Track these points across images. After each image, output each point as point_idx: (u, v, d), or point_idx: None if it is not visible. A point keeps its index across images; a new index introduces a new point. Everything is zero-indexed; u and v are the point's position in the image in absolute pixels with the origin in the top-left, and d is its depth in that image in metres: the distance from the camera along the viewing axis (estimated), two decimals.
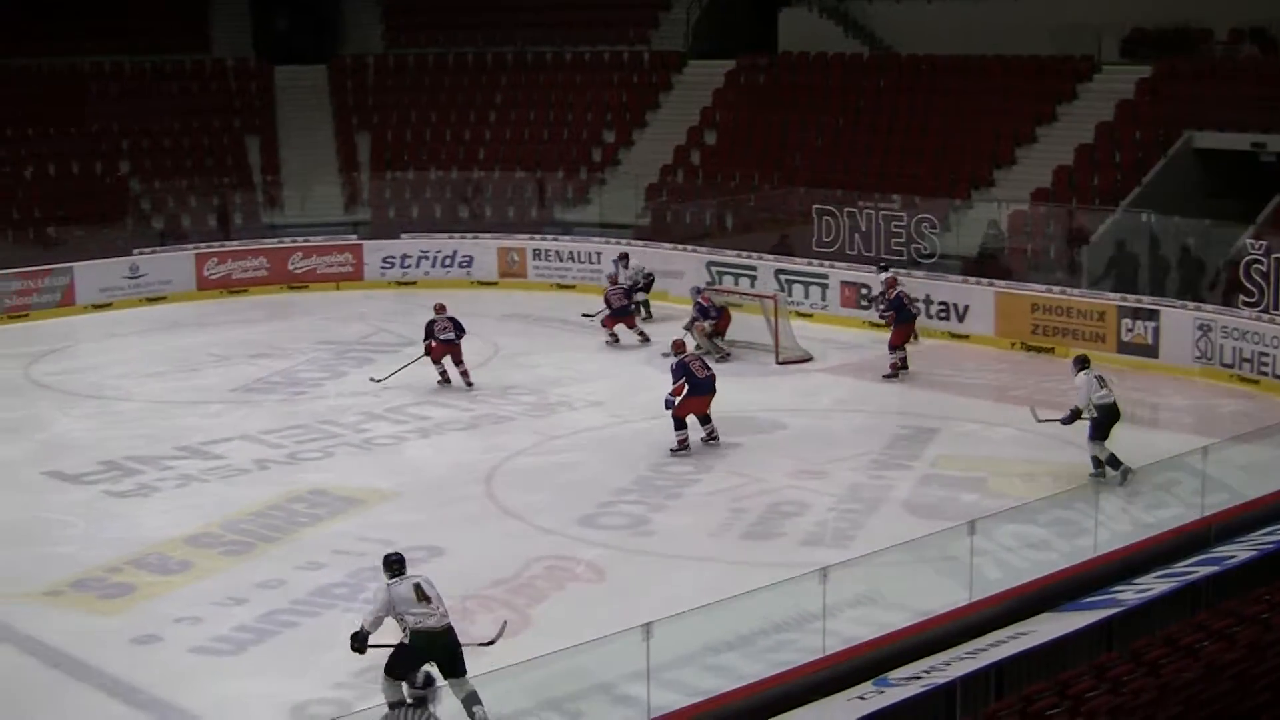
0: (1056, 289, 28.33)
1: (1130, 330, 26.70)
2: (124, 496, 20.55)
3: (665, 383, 22.09)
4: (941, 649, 13.84)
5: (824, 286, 31.05)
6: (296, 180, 39.83)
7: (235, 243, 36.42)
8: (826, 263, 31.28)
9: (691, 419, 22.07)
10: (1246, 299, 25.48)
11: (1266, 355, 24.80)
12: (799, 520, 19.06)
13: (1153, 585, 15.02)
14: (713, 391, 22.19)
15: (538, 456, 22.24)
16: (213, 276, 35.24)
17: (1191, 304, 26.50)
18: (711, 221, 36.00)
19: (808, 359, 27.59)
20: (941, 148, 35.30)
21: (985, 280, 29.46)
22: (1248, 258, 25.52)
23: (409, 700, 11.28)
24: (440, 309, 26.18)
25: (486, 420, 24.12)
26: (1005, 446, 21.78)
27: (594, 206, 38.41)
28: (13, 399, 25.98)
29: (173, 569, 17.86)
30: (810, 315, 30.50)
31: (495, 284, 35.78)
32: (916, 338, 27.29)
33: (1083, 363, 20.48)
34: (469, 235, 36.74)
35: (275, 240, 36.50)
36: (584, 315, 30.18)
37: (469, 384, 25.80)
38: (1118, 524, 17.35)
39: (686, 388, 21.87)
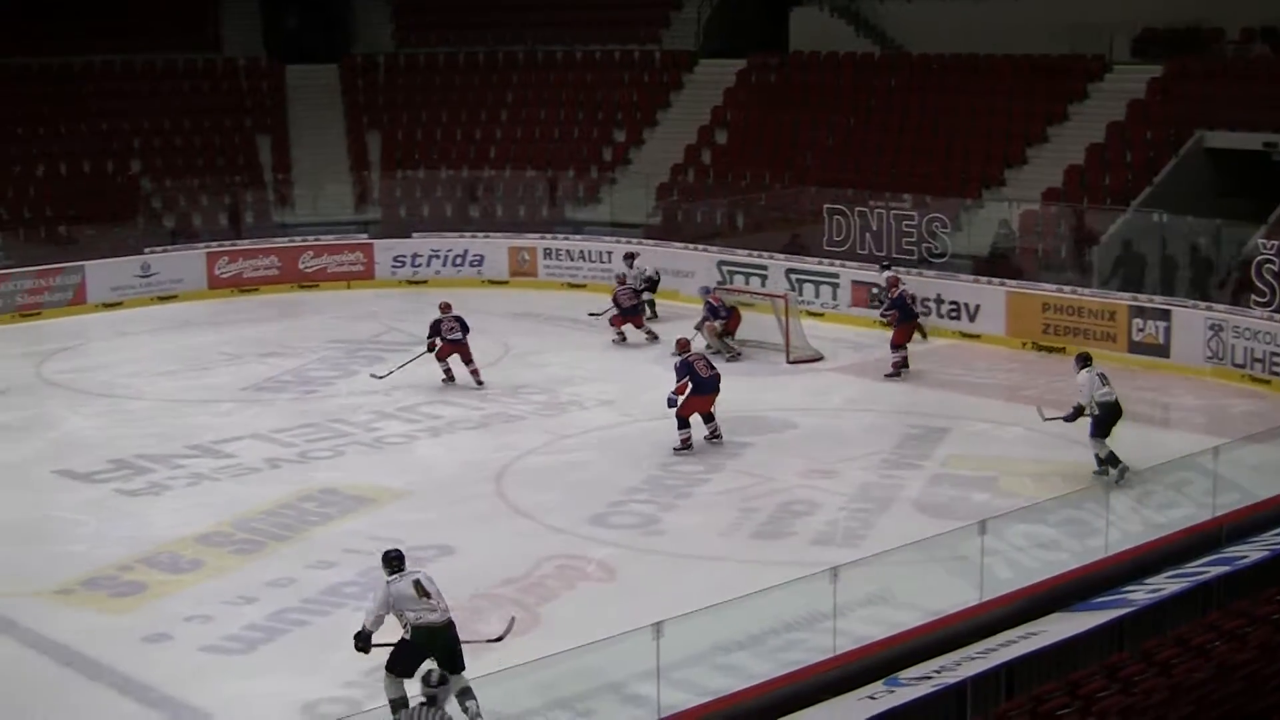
0: (1068, 289, 28.30)
1: (1141, 330, 26.67)
2: (135, 495, 20.57)
3: (674, 382, 22.08)
4: (952, 649, 13.84)
5: (835, 286, 31.03)
6: (307, 179, 39.86)
7: (246, 242, 36.46)
8: (837, 262, 31.26)
9: (695, 418, 22.07)
10: (1258, 299, 25.43)
11: (1278, 355, 24.75)
12: (809, 519, 19.04)
13: (1164, 585, 15.00)
14: (716, 390, 22.19)
15: (548, 455, 22.24)
16: (224, 275, 35.28)
17: (1203, 304, 26.46)
18: (722, 221, 36.00)
19: (818, 358, 27.57)
20: (952, 147, 35.26)
21: (996, 280, 29.45)
22: (1259, 258, 25.47)
23: (422, 699, 11.27)
24: (446, 308, 26.18)
25: (497, 419, 24.13)
26: (1016, 446, 21.76)
27: (605, 206, 38.41)
28: (24, 397, 26.02)
29: (184, 567, 17.88)
30: (821, 315, 30.48)
31: (506, 283, 35.79)
32: (926, 336, 27.27)
33: (1084, 360, 20.48)
34: (480, 234, 36.75)
35: (286, 239, 36.55)
36: (590, 315, 30.19)
37: (480, 383, 25.80)
38: (1129, 524, 17.32)
39: (690, 386, 21.88)
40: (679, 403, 21.86)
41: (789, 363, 27.37)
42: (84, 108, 40.14)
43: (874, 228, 31.14)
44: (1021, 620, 14.54)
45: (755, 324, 28.31)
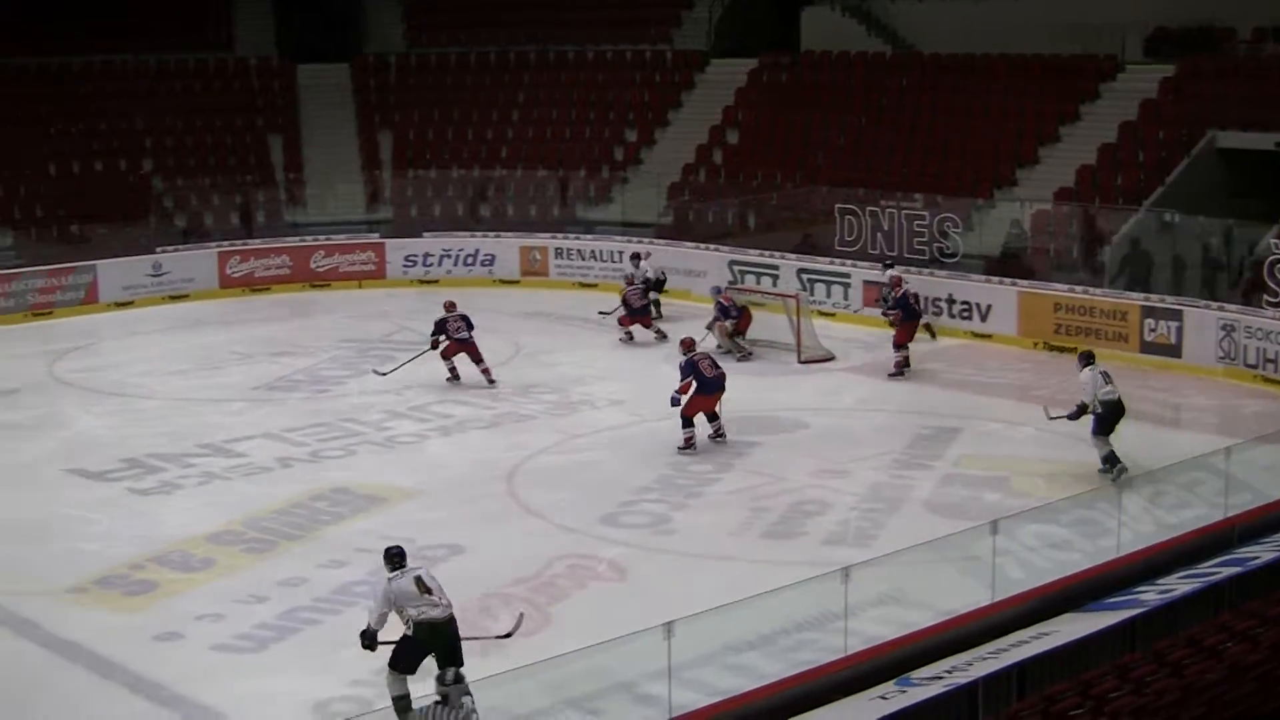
0: (1079, 289, 28.27)
1: (1153, 330, 26.63)
2: (147, 494, 20.59)
3: (680, 381, 22.12)
4: (964, 649, 13.83)
5: (846, 286, 31.00)
6: (319, 179, 39.90)
7: (258, 241, 36.47)
8: (849, 262, 31.24)
9: (700, 417, 22.11)
10: (1270, 299, 25.40)
11: None
12: (821, 519, 19.04)
13: (1176, 586, 14.98)
14: (721, 390, 22.19)
15: (559, 455, 22.24)
16: (235, 275, 35.30)
17: (1215, 304, 26.42)
18: (733, 220, 36.02)
19: (830, 358, 27.56)
20: (964, 147, 35.24)
21: (1008, 280, 29.42)
22: (1271, 258, 25.44)
23: (436, 697, 11.27)
24: (450, 306, 26.20)
25: (508, 419, 24.13)
26: (1027, 446, 21.73)
27: (616, 205, 38.42)
28: (37, 396, 26.05)
29: (195, 566, 17.90)
30: (832, 314, 30.46)
31: (517, 283, 35.80)
32: (935, 335, 27.30)
33: (1088, 358, 20.49)
34: (491, 234, 36.77)
35: (298, 238, 36.57)
36: (601, 314, 30.19)
37: (491, 381, 25.81)
38: (1141, 524, 17.27)
39: (695, 386, 21.90)
40: (683, 402, 21.89)
41: (800, 362, 27.36)
42: (96, 107, 40.23)
43: (885, 228, 31.13)
44: (1033, 620, 14.53)
45: (767, 324, 28.30)
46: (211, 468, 21.65)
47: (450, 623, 13.24)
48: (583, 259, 35.59)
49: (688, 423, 21.91)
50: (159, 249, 34.97)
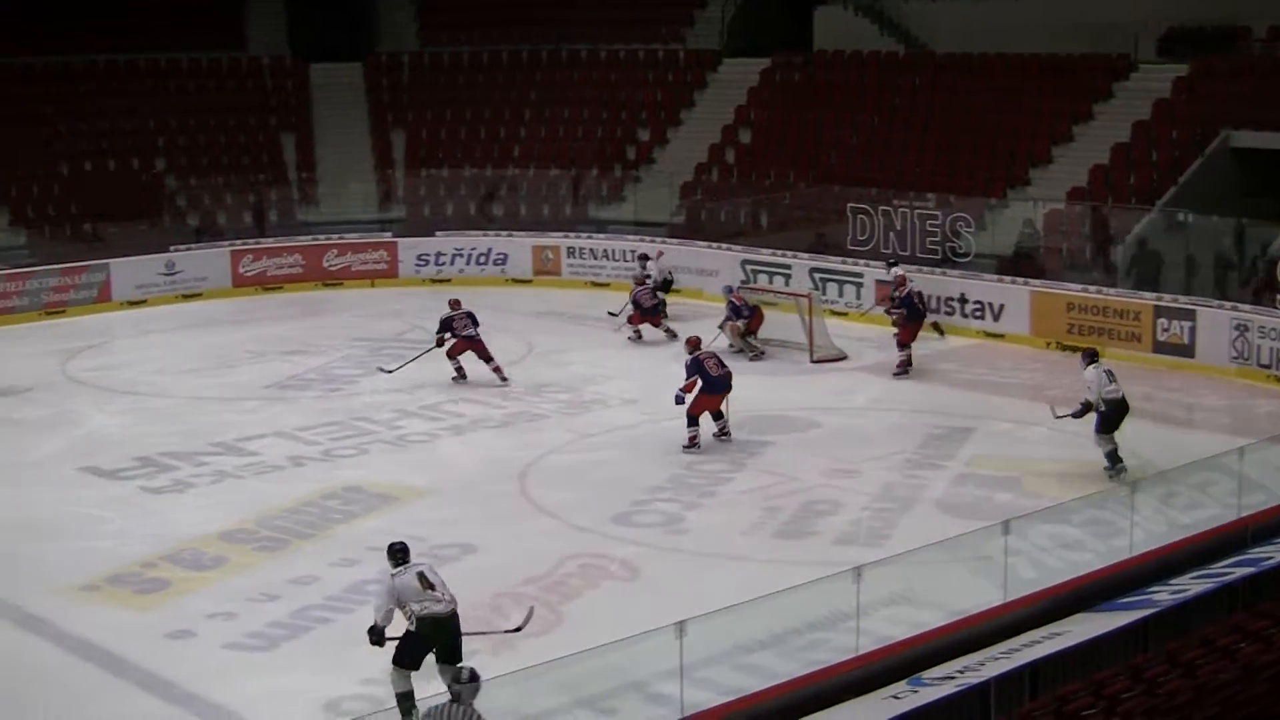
0: (1092, 288, 28.22)
1: (1166, 330, 26.58)
2: (159, 492, 20.62)
3: (685, 379, 22.16)
4: (976, 649, 13.81)
5: (859, 285, 30.96)
6: (331, 178, 39.96)
7: (270, 240, 36.47)
8: (861, 261, 31.21)
9: (706, 416, 22.14)
10: None
11: None
12: (833, 519, 19.03)
13: (1189, 586, 14.95)
14: (728, 389, 22.18)
15: (572, 454, 22.25)
16: (248, 273, 35.33)
17: (1228, 304, 26.37)
18: (746, 220, 36.01)
19: (842, 358, 27.54)
20: (977, 146, 35.22)
21: (1020, 279, 29.38)
22: None
23: (450, 696, 11.25)
24: (455, 304, 26.24)
25: (520, 418, 24.14)
26: (1040, 446, 21.69)
27: (628, 204, 38.42)
28: (49, 395, 26.08)
29: (207, 565, 17.91)
30: (845, 314, 30.42)
31: (529, 282, 35.80)
32: (943, 333, 27.32)
33: (1091, 356, 20.50)
34: (503, 233, 36.77)
35: (310, 237, 36.58)
36: (610, 313, 30.20)
37: (504, 379, 25.82)
38: (1153, 524, 17.24)
39: (700, 385, 21.92)
40: (687, 400, 21.91)
41: (812, 362, 27.34)
42: (109, 106, 40.29)
43: (898, 227, 31.12)
44: (1045, 620, 14.50)
45: (779, 323, 28.28)
46: (224, 466, 21.67)
47: (452, 618, 13.31)
48: (595, 258, 35.57)
49: (692, 421, 21.92)
50: (172, 248, 35.01)
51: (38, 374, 27.49)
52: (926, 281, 29.75)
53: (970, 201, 31.87)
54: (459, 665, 11.81)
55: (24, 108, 39.24)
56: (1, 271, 33.01)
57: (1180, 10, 35.19)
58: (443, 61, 44.09)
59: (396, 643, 13.33)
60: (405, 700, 13.23)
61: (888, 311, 27.35)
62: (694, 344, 22.64)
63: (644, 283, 30.14)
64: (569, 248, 35.96)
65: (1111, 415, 19.93)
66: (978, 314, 29.27)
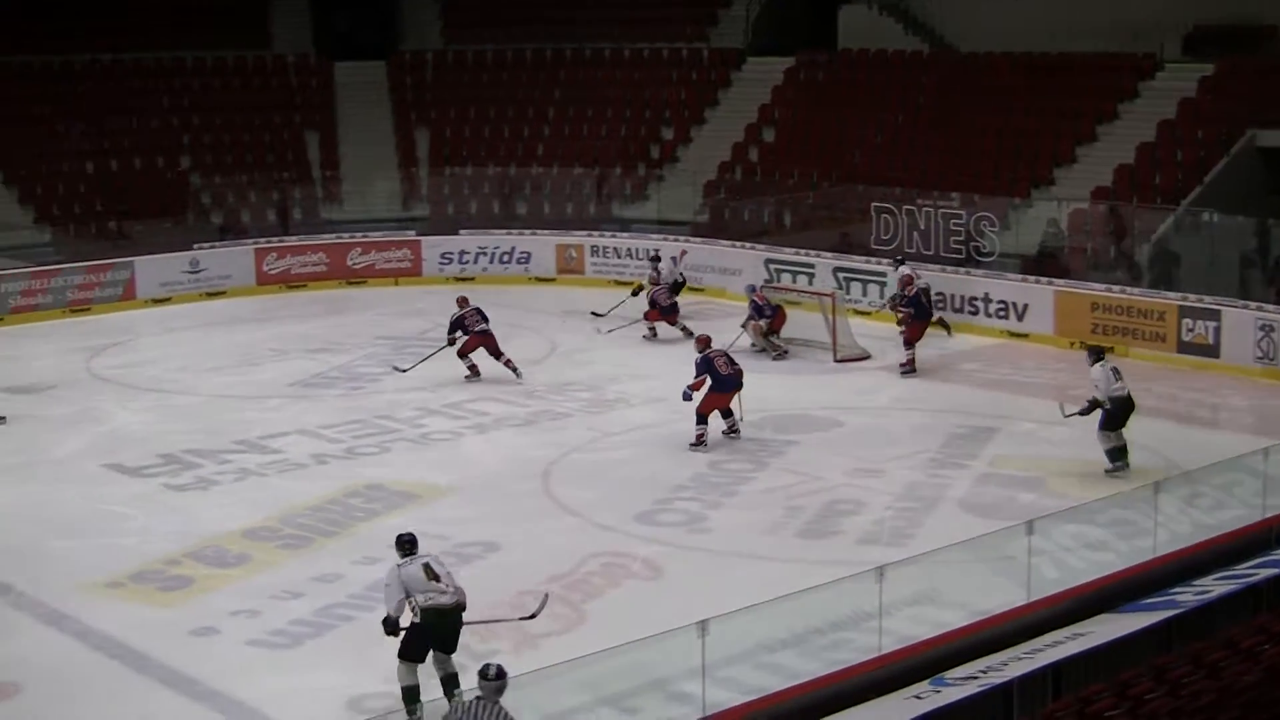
0: (1117, 288, 28.15)
1: (1191, 330, 26.50)
2: (183, 490, 20.67)
3: (695, 377, 22.20)
4: (999, 649, 13.78)
5: (882, 285, 30.90)
6: (355, 176, 40.01)
7: (294, 238, 36.50)
8: (885, 260, 31.14)
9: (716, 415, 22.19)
10: None
11: None
12: (856, 519, 19.01)
13: (1213, 587, 14.91)
14: (738, 387, 22.21)
15: (594, 453, 22.25)
16: (272, 272, 35.39)
17: (1253, 304, 26.28)
18: (769, 219, 35.98)
19: (865, 357, 27.50)
20: (1001, 146, 35.16)
21: (1045, 279, 29.31)
22: None
23: (478, 692, 11.24)
24: (464, 302, 26.31)
25: (544, 416, 24.14)
26: (1064, 446, 21.60)
27: (652, 203, 38.44)
28: (74, 392, 26.15)
29: (230, 562, 17.95)
30: (868, 313, 30.35)
31: (553, 280, 35.81)
32: (950, 331, 27.35)
33: (1098, 354, 20.56)
34: (527, 231, 36.76)
35: (334, 236, 36.62)
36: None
37: (518, 373, 25.85)
38: (1177, 525, 17.19)
39: (710, 383, 21.96)
40: (695, 398, 21.97)
41: (836, 361, 27.30)
42: (135, 104, 40.42)
43: (922, 226, 31.03)
44: (1069, 621, 14.47)
45: (802, 322, 28.25)
46: (247, 464, 21.72)
47: (456, 610, 13.42)
48: (618, 257, 35.54)
49: (701, 419, 21.95)
50: (196, 246, 35.07)
51: (62, 371, 27.58)
52: (950, 281, 29.78)
53: (994, 201, 31.79)
54: (485, 664, 11.81)
55: (50, 106, 39.42)
56: (27, 269, 33.11)
57: (1206, 9, 35.06)
58: (467, 60, 44.13)
59: (402, 635, 13.42)
60: (411, 694, 13.29)
61: (894, 310, 27.37)
62: (704, 342, 22.66)
63: (657, 283, 30.13)
64: (592, 246, 35.95)
65: (1117, 413, 20.03)
66: (1001, 314, 29.21)
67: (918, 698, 12.57)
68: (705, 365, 22.04)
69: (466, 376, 26.03)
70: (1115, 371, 20.17)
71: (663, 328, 29.26)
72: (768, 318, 27.83)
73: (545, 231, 36.72)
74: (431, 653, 13.46)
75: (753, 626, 13.74)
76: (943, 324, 28.06)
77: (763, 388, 23.94)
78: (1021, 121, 35.26)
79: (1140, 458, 20.31)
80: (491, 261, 36.17)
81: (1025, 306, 28.95)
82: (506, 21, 44.05)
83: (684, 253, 32.68)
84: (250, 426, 23.63)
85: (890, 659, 13.74)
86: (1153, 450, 20.76)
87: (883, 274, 30.83)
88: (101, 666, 15.18)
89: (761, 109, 40.00)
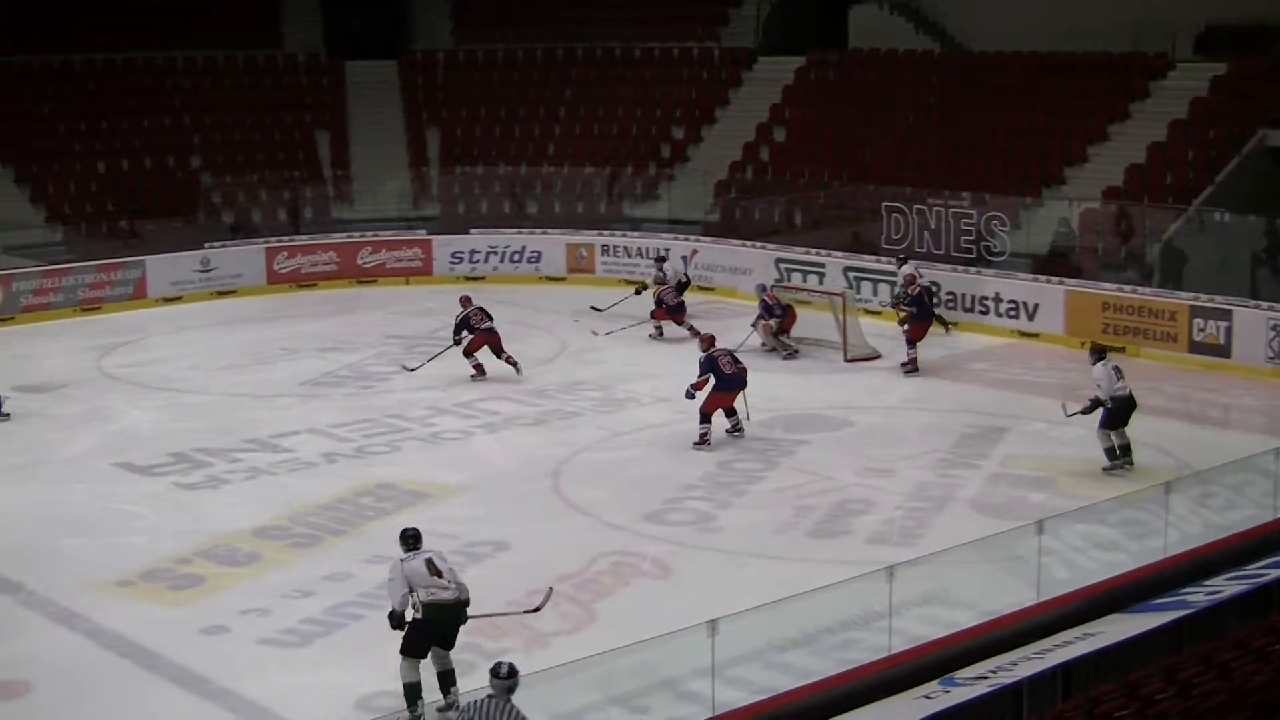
0: (1128, 288, 28.11)
1: (1202, 330, 26.46)
2: (193, 488, 20.69)
3: (698, 376, 22.21)
4: (1008, 649, 13.75)
5: (893, 284, 30.85)
6: (366, 175, 40.07)
7: (305, 237, 36.53)
8: (890, 260, 31.13)
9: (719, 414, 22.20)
10: None
11: None
12: (866, 518, 18.99)
13: (1223, 587, 14.86)
14: (742, 386, 22.22)
15: (605, 452, 22.25)
16: (282, 270, 35.41)
17: (1265, 304, 26.24)
18: (780, 218, 35.96)
19: (876, 356, 27.48)
20: (1012, 145, 35.12)
21: (1055, 279, 29.27)
22: None
23: (490, 691, 11.24)
24: (467, 301, 26.37)
25: (554, 415, 24.14)
26: (1074, 446, 21.57)
27: (663, 203, 38.43)
28: (85, 391, 26.19)
29: (241, 561, 17.97)
30: (879, 312, 30.34)
31: (563, 279, 35.81)
32: (949, 328, 27.37)
33: (1099, 353, 20.58)
34: (537, 230, 36.77)
35: (345, 235, 36.64)
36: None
37: (519, 370, 25.88)
38: (1188, 525, 17.16)
39: (714, 382, 21.97)
40: (698, 397, 22.01)
41: (846, 360, 27.28)
42: (146, 103, 40.50)
43: (933, 226, 31.03)
44: (1079, 621, 14.43)
45: (813, 322, 28.24)
46: (258, 463, 21.75)
47: (457, 606, 13.46)
48: (629, 256, 35.53)
49: (705, 418, 21.96)
50: (207, 245, 35.12)
51: (73, 370, 27.63)
52: (961, 281, 29.77)
53: (1005, 200, 31.77)
54: (497, 662, 11.82)
55: (61, 106, 39.52)
56: (39, 268, 33.14)
57: (1218, 9, 34.97)
58: (477, 59, 44.17)
59: (404, 633, 13.47)
60: (413, 691, 13.32)
61: (896, 309, 27.38)
62: (708, 341, 22.69)
63: (663, 283, 30.13)
64: (603, 245, 35.94)
65: (1118, 412, 20.08)
66: (1012, 313, 29.18)
67: (927, 697, 12.55)
68: (709, 364, 22.05)
69: (472, 376, 26.03)
70: (1117, 371, 20.18)
71: (669, 327, 29.26)
72: (777, 317, 27.81)
73: (556, 231, 36.71)
74: (432, 649, 13.48)
75: (762, 626, 13.74)
76: (941, 321, 28.05)
77: (773, 387, 23.96)
78: (1032, 121, 35.22)
79: (1151, 458, 20.31)
80: (502, 261, 36.19)
81: (1036, 306, 28.92)
82: (517, 21, 44.07)
83: (695, 252, 32.69)
84: (261, 425, 23.66)
85: (900, 659, 13.72)
86: (1164, 450, 20.74)
87: (893, 274, 30.70)
88: (112, 665, 15.20)
89: (772, 108, 39.99)
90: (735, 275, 33.29)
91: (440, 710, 13.32)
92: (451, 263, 36.20)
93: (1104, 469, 20.14)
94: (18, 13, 40.05)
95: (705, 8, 43.92)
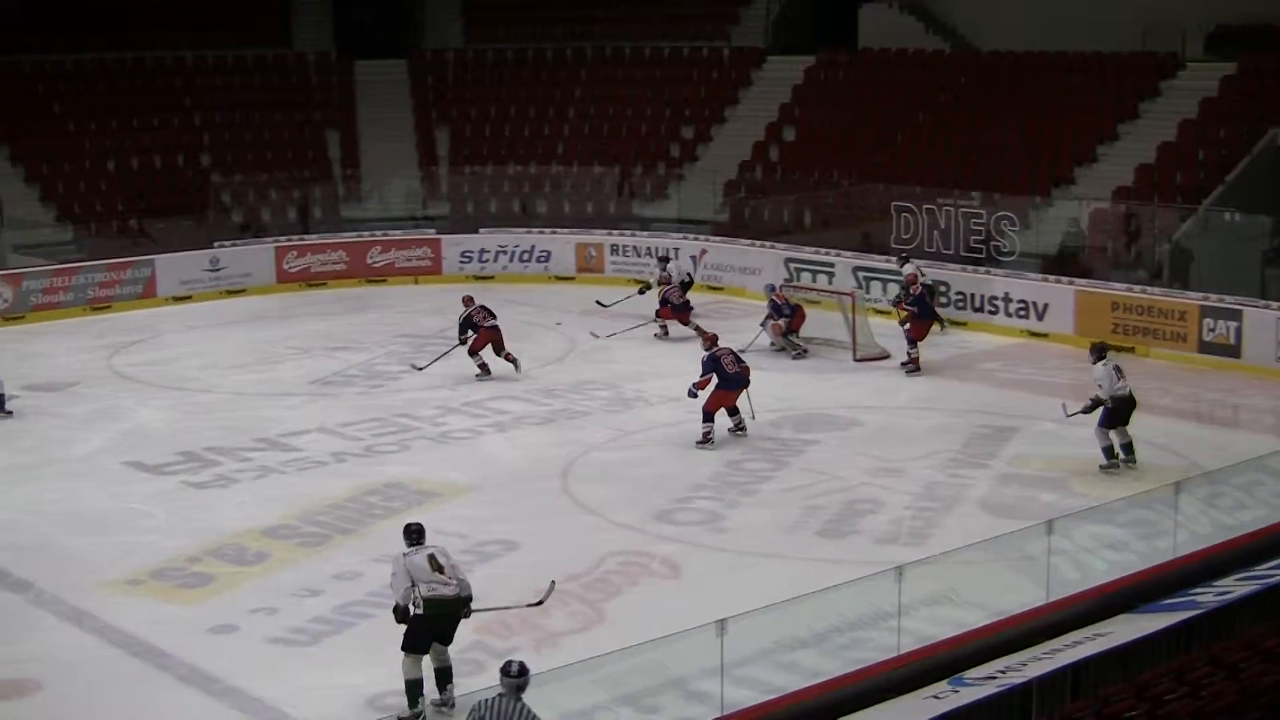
0: (1137, 288, 28.08)
1: (1212, 330, 26.43)
2: (203, 487, 20.70)
3: (701, 375, 22.22)
4: (1018, 649, 13.74)
5: (902, 284, 30.85)
6: (376, 174, 40.12)
7: (314, 236, 36.55)
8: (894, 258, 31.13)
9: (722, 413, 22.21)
10: None
11: None
12: (875, 518, 18.97)
13: (1233, 588, 14.85)
14: (744, 385, 22.22)
15: (613, 452, 22.24)
16: (292, 270, 35.43)
17: (1275, 304, 26.21)
18: (789, 218, 35.94)
19: (885, 356, 27.45)
20: (1022, 145, 35.10)
21: (1065, 279, 29.25)
22: None
23: (501, 690, 11.24)
24: (470, 301, 26.43)
25: (563, 415, 24.14)
26: (1084, 446, 21.50)
27: (672, 202, 38.48)
28: (95, 389, 26.22)
29: (250, 560, 17.97)
30: (888, 312, 30.30)
31: (572, 279, 35.81)
32: (944, 327, 27.48)
33: (1100, 352, 20.55)
34: (547, 230, 36.77)
35: (354, 234, 36.65)
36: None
37: (518, 367, 25.94)
38: (1198, 525, 17.13)
39: (716, 381, 21.99)
40: (701, 396, 22.01)
41: (856, 360, 27.26)
42: (156, 102, 40.56)
43: (942, 225, 31.01)
44: (1088, 621, 14.42)
45: (822, 321, 28.23)
46: (267, 462, 21.76)
47: (457, 602, 13.51)
48: (638, 255, 35.52)
49: (707, 418, 21.96)
50: (217, 244, 35.15)
51: (83, 369, 27.66)
52: (970, 280, 29.74)
53: (1015, 200, 31.75)
54: (507, 661, 11.82)
55: (71, 105, 39.57)
56: (49, 267, 33.17)
57: (1229, 8, 34.99)
58: (487, 58, 44.19)
59: (405, 629, 13.50)
60: (415, 688, 13.35)
61: (898, 308, 27.37)
62: (711, 340, 22.69)
63: (667, 283, 30.13)
64: (612, 245, 35.94)
65: (1118, 411, 20.09)
66: (1022, 313, 29.16)
67: (936, 698, 12.55)
68: (711, 363, 22.05)
69: (477, 375, 26.05)
70: (1118, 370, 20.17)
71: (675, 326, 29.23)
72: (786, 317, 27.80)
73: (565, 230, 36.73)
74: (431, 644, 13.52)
75: (771, 625, 13.73)
76: (937, 320, 28.05)
77: (782, 387, 23.94)
78: (1042, 121, 35.20)
79: (1161, 458, 20.29)
80: (511, 260, 36.19)
81: (1045, 306, 28.89)
82: (527, 20, 44.15)
83: (704, 252, 32.67)
84: (270, 424, 23.67)
85: (909, 659, 13.71)
86: (1174, 450, 20.72)
87: (903, 273, 30.77)
88: (122, 664, 15.21)
89: (782, 108, 39.99)
90: (744, 275, 33.28)
91: (435, 705, 13.37)
92: (461, 262, 36.21)
93: (1101, 467, 20.15)
94: (27, 12, 40.08)
95: (715, 7, 43.95)
